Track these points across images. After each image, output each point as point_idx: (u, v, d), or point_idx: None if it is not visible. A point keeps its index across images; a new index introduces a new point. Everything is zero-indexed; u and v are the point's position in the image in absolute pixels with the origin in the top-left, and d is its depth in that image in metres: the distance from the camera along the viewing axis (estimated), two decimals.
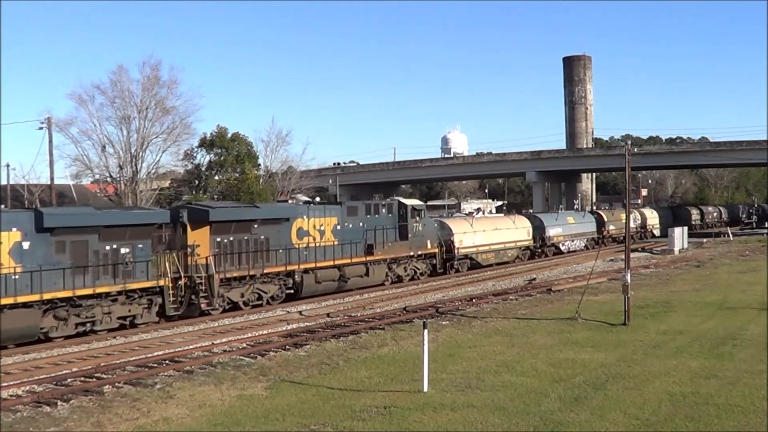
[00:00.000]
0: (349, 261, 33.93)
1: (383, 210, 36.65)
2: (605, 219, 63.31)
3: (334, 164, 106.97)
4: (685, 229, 62.35)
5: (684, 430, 13.13)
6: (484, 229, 46.52)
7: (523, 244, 50.73)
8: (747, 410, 14.07)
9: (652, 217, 74.61)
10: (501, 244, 47.61)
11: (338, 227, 33.77)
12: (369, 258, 34.90)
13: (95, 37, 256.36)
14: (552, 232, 54.66)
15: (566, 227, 57.13)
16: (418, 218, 38.24)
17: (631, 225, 61.62)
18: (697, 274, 40.19)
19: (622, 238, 60.06)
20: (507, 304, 29.96)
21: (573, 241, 57.98)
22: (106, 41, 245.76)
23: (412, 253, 38.10)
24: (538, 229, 52.97)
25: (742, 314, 25.42)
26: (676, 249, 55.29)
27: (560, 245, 55.67)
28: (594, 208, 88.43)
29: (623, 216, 59.33)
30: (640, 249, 57.71)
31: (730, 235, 68.95)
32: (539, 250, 53.26)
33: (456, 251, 42.75)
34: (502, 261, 47.59)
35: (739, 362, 18.12)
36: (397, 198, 44.14)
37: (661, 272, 41.28)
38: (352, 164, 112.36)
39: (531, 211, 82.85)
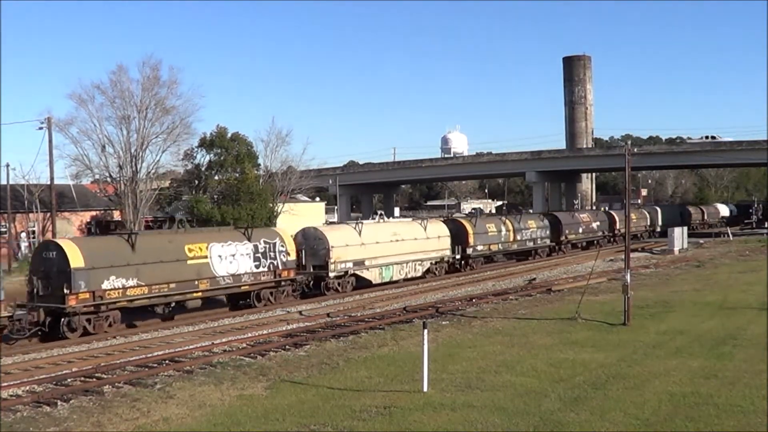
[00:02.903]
0: None
1: None
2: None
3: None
4: (685, 229, 62.01)
5: (684, 430, 13.13)
6: None
7: None
8: (747, 410, 14.06)
9: (439, 244, 42.04)
10: None
11: None
12: None
13: (95, 37, 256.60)
14: None
15: None
16: None
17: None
18: (697, 274, 40.19)
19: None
20: (507, 304, 29.96)
21: None
22: (106, 41, 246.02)
23: None
24: None
25: (742, 314, 25.41)
26: (676, 249, 55.27)
27: None
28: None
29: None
30: (640, 249, 57.56)
31: (730, 235, 68.94)
32: None
33: None
34: None
35: (739, 362, 18.11)
36: None
37: (661, 272, 41.29)
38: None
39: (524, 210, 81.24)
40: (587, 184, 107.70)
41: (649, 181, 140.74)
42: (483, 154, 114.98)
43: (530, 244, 52.49)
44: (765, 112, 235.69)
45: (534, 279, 39.73)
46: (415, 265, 40.08)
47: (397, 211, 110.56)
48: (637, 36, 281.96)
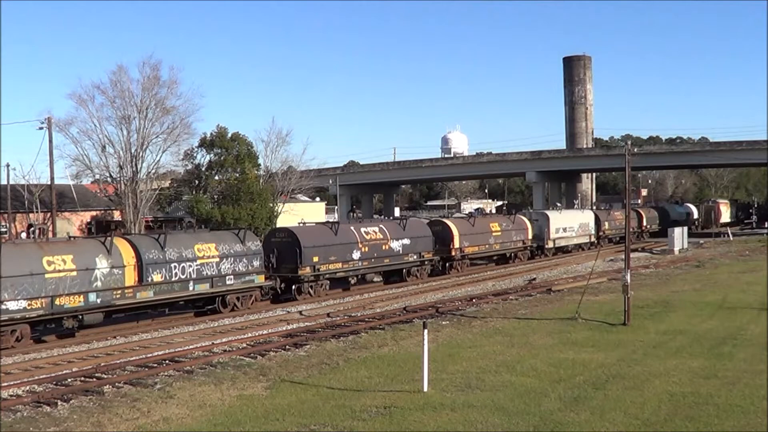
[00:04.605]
0: None
1: None
2: None
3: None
4: (685, 229, 61.73)
5: (684, 430, 13.13)
6: None
7: None
8: (747, 410, 14.08)
9: None
10: None
11: None
12: None
13: (95, 37, 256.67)
14: None
15: None
16: None
17: None
18: (697, 274, 40.19)
19: None
20: (507, 304, 29.97)
21: None
22: (106, 41, 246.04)
23: None
24: None
25: (742, 314, 25.43)
26: (676, 249, 55.25)
27: None
28: (593, 207, 74.44)
29: None
30: (640, 249, 57.44)
31: (730, 235, 68.93)
32: None
33: None
34: None
35: (739, 362, 18.13)
36: None
37: (661, 272, 41.30)
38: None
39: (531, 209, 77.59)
40: (587, 184, 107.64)
41: (649, 181, 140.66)
42: (483, 154, 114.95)
43: (195, 287, 27.83)
44: (765, 112, 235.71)
45: (534, 279, 39.73)
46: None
47: (397, 211, 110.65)
48: (637, 36, 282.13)
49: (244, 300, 30.46)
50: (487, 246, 46.70)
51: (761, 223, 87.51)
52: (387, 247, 37.77)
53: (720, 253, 52.93)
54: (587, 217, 59.89)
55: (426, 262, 40.57)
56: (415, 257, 39.55)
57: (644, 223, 71.58)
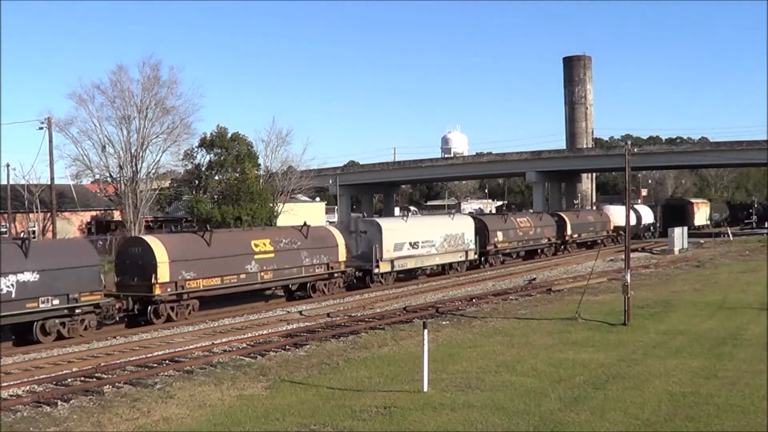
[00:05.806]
0: None
1: None
2: None
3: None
4: (686, 229, 61.53)
5: (684, 430, 13.13)
6: None
7: None
8: (747, 410, 14.08)
9: None
10: None
11: None
12: None
13: (95, 37, 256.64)
14: None
15: None
16: None
17: None
18: (697, 274, 40.19)
19: None
20: (507, 304, 29.97)
21: None
22: (106, 41, 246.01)
23: None
24: None
25: (742, 314, 25.43)
26: (676, 249, 55.25)
27: None
28: (595, 207, 70.61)
29: None
30: (640, 249, 57.39)
31: (730, 235, 68.92)
32: None
33: None
34: None
35: (739, 362, 18.13)
36: None
37: (661, 272, 41.29)
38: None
39: (531, 210, 76.68)
40: (587, 184, 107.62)
41: (649, 181, 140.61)
42: (483, 154, 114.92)
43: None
44: (765, 112, 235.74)
45: (534, 279, 39.72)
46: None
47: (397, 211, 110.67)
48: (637, 36, 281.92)
49: None
50: (242, 276, 29.92)
51: (761, 223, 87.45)
52: None
53: (720, 253, 52.93)
54: (461, 225, 42.30)
55: (81, 310, 24.02)
56: (55, 302, 23.28)
57: (568, 232, 55.17)
